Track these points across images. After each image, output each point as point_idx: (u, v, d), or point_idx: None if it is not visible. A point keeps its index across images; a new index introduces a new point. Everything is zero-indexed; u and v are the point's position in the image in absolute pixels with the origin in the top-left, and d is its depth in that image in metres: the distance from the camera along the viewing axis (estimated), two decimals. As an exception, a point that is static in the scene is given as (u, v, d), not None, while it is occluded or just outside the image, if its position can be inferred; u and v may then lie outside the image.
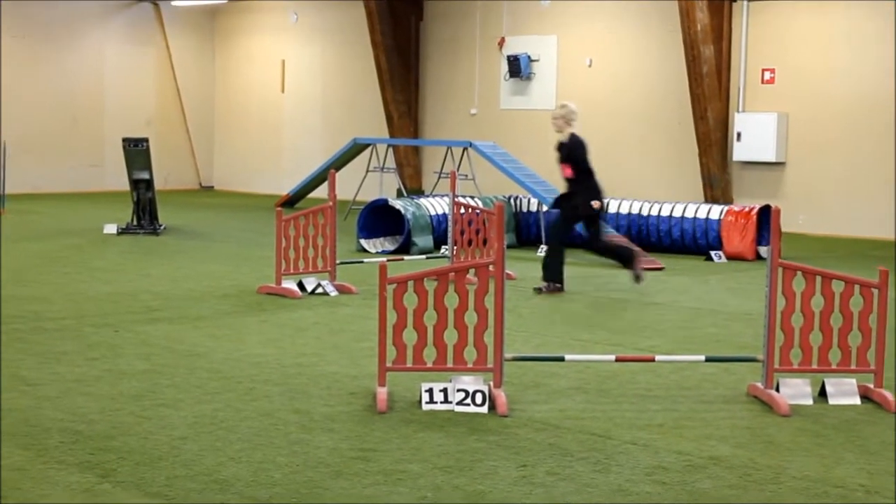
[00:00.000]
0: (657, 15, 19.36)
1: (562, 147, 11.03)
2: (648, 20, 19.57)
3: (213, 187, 26.74)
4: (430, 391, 6.44)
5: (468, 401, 6.37)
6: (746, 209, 14.48)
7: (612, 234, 14.13)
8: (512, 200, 15.78)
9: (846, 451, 5.77)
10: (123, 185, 17.09)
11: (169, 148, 25.49)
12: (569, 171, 10.97)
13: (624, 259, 11.27)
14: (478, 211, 11.92)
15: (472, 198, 14.72)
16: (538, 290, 11.08)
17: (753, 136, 18.19)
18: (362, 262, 12.22)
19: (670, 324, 9.60)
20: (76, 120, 24.61)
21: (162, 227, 16.25)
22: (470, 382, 6.46)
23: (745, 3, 18.45)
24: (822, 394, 6.80)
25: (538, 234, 15.21)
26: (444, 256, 12.78)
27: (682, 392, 7.00)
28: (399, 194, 20.08)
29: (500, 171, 16.42)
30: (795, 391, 6.74)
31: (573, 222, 11.33)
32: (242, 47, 26.18)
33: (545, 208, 14.91)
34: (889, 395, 6.66)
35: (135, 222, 16.11)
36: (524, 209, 15.60)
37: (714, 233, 14.49)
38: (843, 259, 14.38)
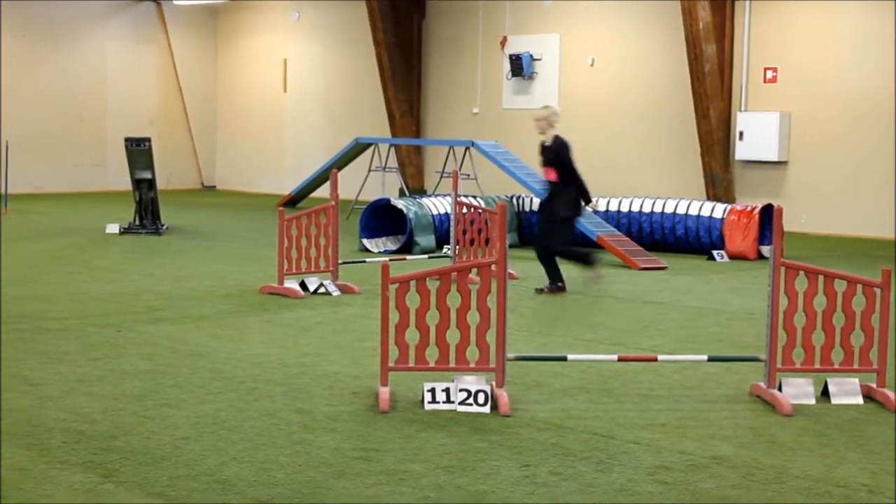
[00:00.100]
0: (659, 14, 19.35)
1: (546, 150, 10.91)
2: (651, 19, 19.56)
3: (215, 187, 26.74)
4: (433, 391, 6.44)
5: (470, 400, 6.37)
6: (749, 208, 14.47)
7: (613, 234, 14.14)
8: (514, 200, 15.78)
9: (849, 450, 5.76)
10: (126, 184, 17.10)
11: (171, 147, 25.50)
12: (553, 175, 10.85)
13: (583, 261, 11.15)
14: (480, 210, 11.92)
15: (475, 197, 14.72)
16: (540, 291, 11.07)
17: (756, 135, 18.17)
18: (364, 261, 12.22)
19: (673, 323, 9.60)
20: (81, 120, 24.63)
21: (164, 227, 16.25)
22: (472, 382, 6.45)
23: (748, 1, 18.44)
24: (825, 393, 6.80)
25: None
26: (446, 256, 12.77)
27: (684, 392, 6.99)
28: (401, 194, 20.07)
29: (502, 170, 16.43)
30: (798, 391, 6.73)
31: (570, 224, 11.21)
32: (244, 46, 26.18)
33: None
34: (892, 394, 6.65)
35: (137, 222, 16.11)
36: (526, 209, 15.59)
37: (716, 232, 14.48)
38: (845, 258, 14.37)
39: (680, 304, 10.70)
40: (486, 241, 11.67)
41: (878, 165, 17.22)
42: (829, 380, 6.82)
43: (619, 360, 7.21)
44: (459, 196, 12.03)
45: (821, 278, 6.78)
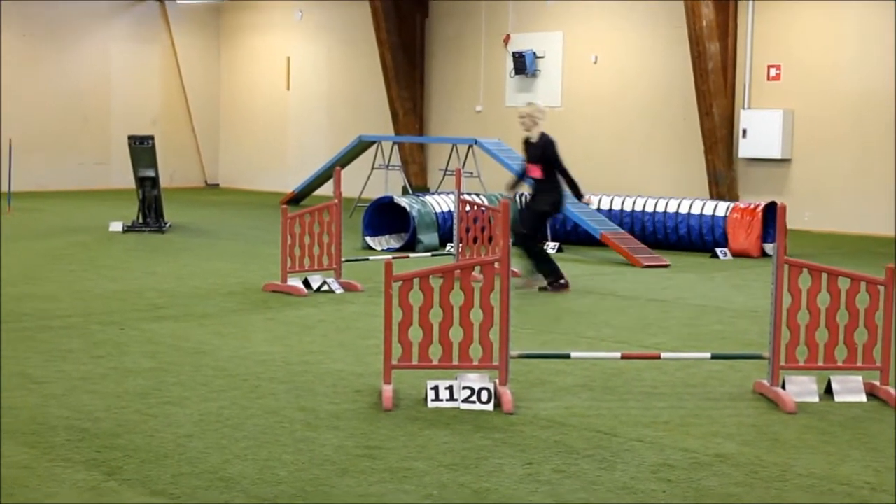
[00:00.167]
0: (663, 12, 19.33)
1: (532, 146, 10.89)
2: (654, 17, 19.55)
3: (218, 185, 26.76)
4: (436, 389, 6.44)
5: (474, 398, 6.37)
6: (752, 206, 14.46)
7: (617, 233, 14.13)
8: (517, 198, 15.75)
9: (852, 448, 5.76)
10: (129, 182, 17.11)
11: (174, 145, 25.51)
12: (538, 172, 10.84)
13: (537, 263, 11.08)
14: (483, 208, 11.91)
15: (478, 195, 14.72)
16: (543, 289, 11.07)
17: (759, 132, 18.15)
18: (368, 259, 12.22)
19: (676, 321, 9.60)
20: (85, 118, 24.65)
21: (167, 225, 16.26)
22: (475, 380, 6.46)
23: (751, 0, 18.43)
24: (828, 391, 6.80)
25: (543, 232, 15.17)
26: (449, 254, 12.77)
27: (687, 389, 6.99)
28: (404, 192, 20.07)
29: (505, 168, 16.42)
30: (801, 388, 6.73)
31: (545, 218, 11.23)
32: (248, 45, 26.19)
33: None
34: (895, 392, 6.64)
35: (140, 220, 16.13)
36: (529, 206, 15.57)
37: (720, 230, 14.47)
38: (848, 256, 14.35)
39: (683, 301, 10.70)
40: (490, 239, 11.66)
41: (882, 163, 17.20)
42: (832, 377, 6.82)
43: (623, 357, 7.20)
44: (463, 194, 12.03)
45: (824, 276, 6.77)
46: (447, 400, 6.41)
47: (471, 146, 18.20)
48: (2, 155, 20.83)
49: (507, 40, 21.54)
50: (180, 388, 6.75)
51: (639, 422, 6.18)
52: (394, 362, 6.54)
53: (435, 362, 6.58)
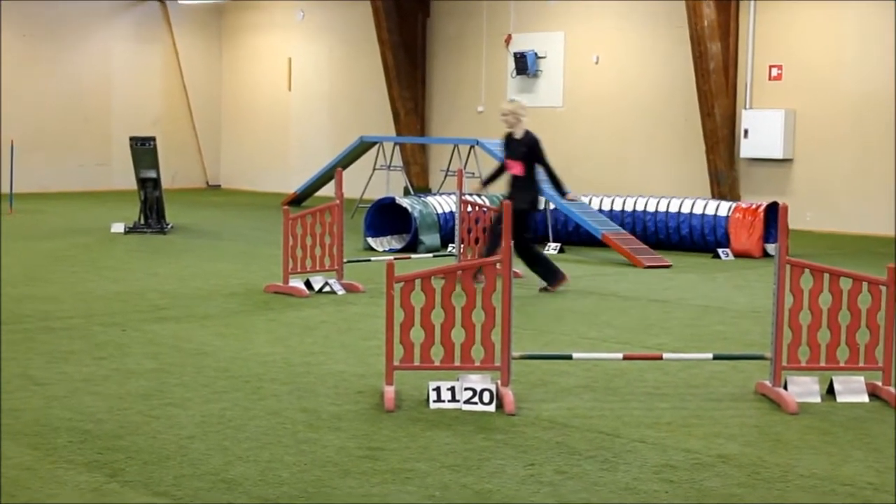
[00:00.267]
0: (664, 12, 19.33)
1: (516, 143, 10.79)
2: (655, 17, 19.55)
3: (219, 186, 26.77)
4: (438, 390, 6.44)
5: (476, 399, 6.37)
6: (754, 206, 14.45)
7: (620, 232, 14.13)
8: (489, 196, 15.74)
9: (854, 448, 5.76)
10: (131, 183, 17.11)
11: (176, 146, 25.52)
12: (519, 169, 10.76)
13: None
14: (485, 209, 11.91)
15: (479, 196, 14.71)
16: (544, 289, 11.06)
17: (761, 132, 18.15)
18: (369, 260, 12.22)
19: (678, 321, 9.59)
20: (86, 119, 24.65)
21: (169, 226, 16.27)
22: (477, 381, 6.46)
23: (752, 0, 18.46)
24: (831, 391, 6.79)
25: (545, 232, 15.18)
26: (451, 255, 12.77)
27: (689, 390, 6.99)
28: (406, 192, 20.07)
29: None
30: (803, 389, 6.73)
31: (524, 217, 11.12)
32: (249, 45, 26.20)
33: (552, 206, 14.89)
34: (897, 392, 6.65)
35: (142, 221, 16.13)
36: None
37: (721, 230, 14.47)
38: (850, 256, 14.35)
39: (685, 302, 10.69)
40: (491, 240, 11.66)
41: (884, 163, 17.19)
42: (834, 378, 6.82)
43: (625, 358, 7.20)
44: (464, 194, 12.03)
45: (826, 276, 6.77)
46: (449, 401, 6.41)
47: (472, 147, 18.19)
48: (2, 156, 20.83)
49: (508, 40, 21.54)
50: (182, 390, 6.75)
51: (641, 422, 6.18)
52: (396, 363, 6.54)
53: (437, 363, 6.58)
